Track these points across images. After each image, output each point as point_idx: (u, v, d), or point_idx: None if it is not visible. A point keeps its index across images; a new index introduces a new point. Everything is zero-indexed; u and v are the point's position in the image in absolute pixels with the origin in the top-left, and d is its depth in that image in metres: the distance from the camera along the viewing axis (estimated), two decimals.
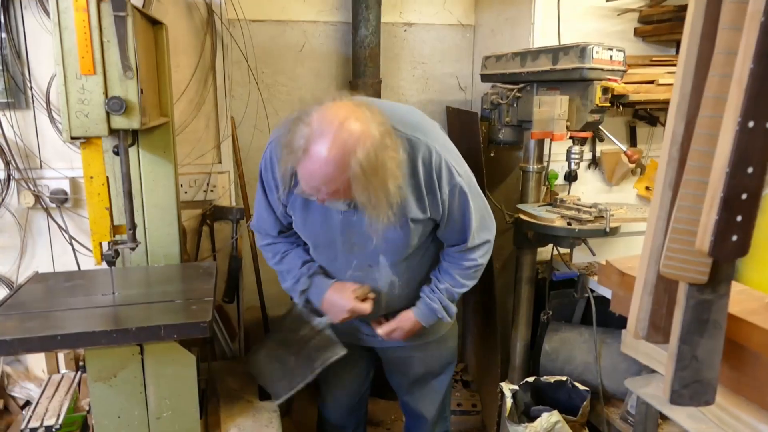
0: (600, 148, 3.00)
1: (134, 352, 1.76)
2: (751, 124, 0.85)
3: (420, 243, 1.77)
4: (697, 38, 0.99)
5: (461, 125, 3.04)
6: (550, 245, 2.67)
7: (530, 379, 2.48)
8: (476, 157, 2.70)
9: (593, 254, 2.46)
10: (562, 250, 2.70)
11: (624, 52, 2.31)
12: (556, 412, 2.26)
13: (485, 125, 2.84)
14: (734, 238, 0.91)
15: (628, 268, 1.58)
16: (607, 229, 2.28)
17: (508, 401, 2.35)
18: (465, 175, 1.70)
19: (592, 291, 2.60)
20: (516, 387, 2.43)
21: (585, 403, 2.36)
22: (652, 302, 1.11)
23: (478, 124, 2.71)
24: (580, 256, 2.81)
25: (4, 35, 2.25)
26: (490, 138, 2.83)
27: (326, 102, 1.48)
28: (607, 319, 2.59)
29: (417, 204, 1.65)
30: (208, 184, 2.58)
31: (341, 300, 1.79)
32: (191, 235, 2.59)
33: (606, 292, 2.44)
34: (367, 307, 1.78)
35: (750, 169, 0.88)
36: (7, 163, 2.31)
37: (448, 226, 1.74)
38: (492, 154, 2.87)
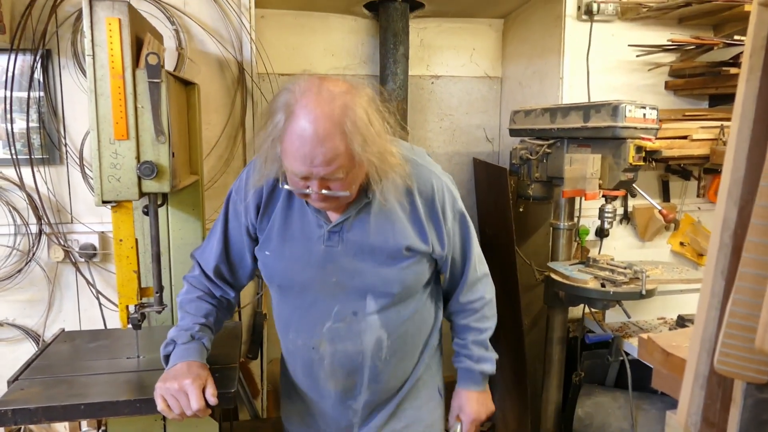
0: (632, 203, 2.93)
1: (156, 419, 1.72)
2: None
3: (414, 287, 1.54)
4: (750, 122, 0.95)
5: (489, 179, 3.01)
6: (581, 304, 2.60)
7: None
8: (505, 212, 2.65)
9: (628, 317, 2.37)
10: (594, 309, 2.62)
11: (657, 110, 2.27)
12: None
13: (514, 180, 2.81)
14: None
15: (673, 346, 1.50)
16: (643, 292, 2.20)
17: None
18: (461, 202, 1.59)
19: (627, 354, 2.50)
20: None
21: None
22: (705, 396, 1.04)
23: (507, 180, 2.67)
24: (614, 315, 2.72)
25: (42, 94, 2.30)
26: (518, 193, 2.80)
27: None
28: (643, 382, 2.48)
29: (415, 232, 1.48)
30: None
31: (186, 379, 1.43)
32: None
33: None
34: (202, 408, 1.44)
35: None
36: (39, 218, 2.33)
37: (455, 259, 1.60)
38: (521, 209, 2.83)
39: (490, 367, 1.69)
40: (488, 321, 1.70)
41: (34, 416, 1.51)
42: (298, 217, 1.50)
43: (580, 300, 2.46)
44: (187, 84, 2.14)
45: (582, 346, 2.73)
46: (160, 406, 1.45)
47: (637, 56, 2.74)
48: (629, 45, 2.74)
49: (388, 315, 1.52)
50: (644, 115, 2.23)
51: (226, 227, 1.60)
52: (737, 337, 0.95)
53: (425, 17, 3.21)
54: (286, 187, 1.40)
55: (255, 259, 1.61)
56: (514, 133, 2.80)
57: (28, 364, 1.77)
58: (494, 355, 1.71)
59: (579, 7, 2.69)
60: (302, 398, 1.71)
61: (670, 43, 2.70)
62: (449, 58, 3.33)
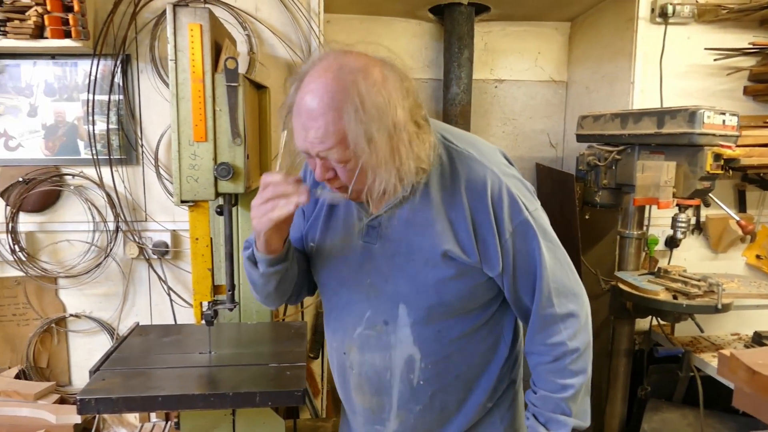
0: (705, 212, 2.82)
1: (226, 413, 1.77)
2: None
3: (458, 305, 1.27)
4: None
5: (553, 185, 2.96)
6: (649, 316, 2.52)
7: None
8: (571, 219, 2.60)
9: (701, 331, 2.29)
10: (663, 322, 2.53)
11: (738, 117, 2.18)
12: None
13: (580, 186, 2.75)
14: None
15: (759, 365, 1.43)
16: (719, 306, 2.11)
17: None
18: (535, 214, 1.24)
19: (699, 369, 2.40)
20: None
21: None
22: None
23: (573, 186, 2.62)
24: (683, 328, 2.62)
25: (121, 97, 2.40)
26: (584, 200, 2.73)
27: None
28: (714, 400, 2.38)
29: (456, 236, 1.21)
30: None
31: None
32: None
33: (716, 374, 2.25)
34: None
35: None
36: (116, 216, 2.44)
37: (516, 284, 1.25)
38: (587, 217, 2.76)
39: None
40: (572, 377, 1.27)
41: (115, 406, 1.58)
42: (344, 204, 1.31)
43: (649, 312, 2.38)
44: (259, 87, 2.19)
45: (649, 359, 2.65)
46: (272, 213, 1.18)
47: (715, 60, 2.64)
48: (706, 48, 2.64)
49: (423, 332, 1.28)
50: (723, 121, 2.14)
51: None
52: None
53: (490, 21, 3.19)
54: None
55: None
56: (581, 138, 2.74)
57: (107, 356, 1.85)
58: (573, 422, 1.29)
59: (653, 10, 2.61)
60: (344, 407, 1.52)
61: (751, 46, 2.58)
62: (513, 62, 3.29)
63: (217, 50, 1.77)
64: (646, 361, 2.66)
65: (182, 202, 1.74)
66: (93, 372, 1.74)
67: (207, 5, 2.36)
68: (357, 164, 1.12)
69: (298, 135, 1.13)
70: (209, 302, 1.85)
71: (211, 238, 1.85)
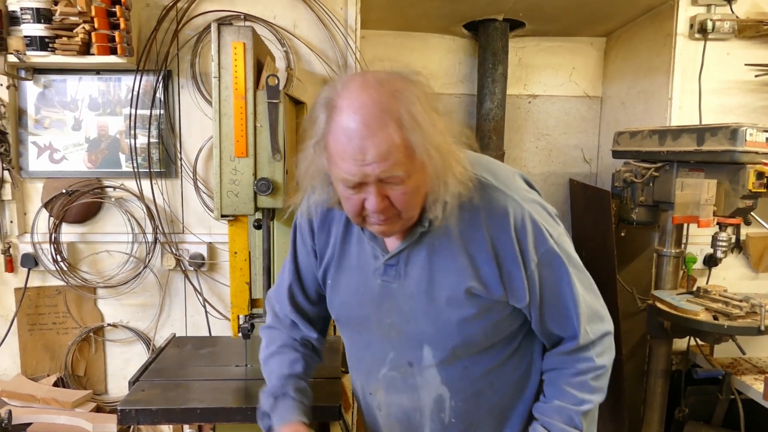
0: (745, 230, 2.75)
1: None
2: None
3: (483, 341, 1.22)
4: None
5: (587, 201, 2.93)
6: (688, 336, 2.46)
7: None
8: (607, 237, 2.57)
9: (743, 353, 2.23)
10: (702, 342, 2.47)
11: None
12: None
13: (615, 203, 2.71)
14: None
15: None
16: (762, 328, 2.06)
17: None
18: (559, 240, 1.19)
19: (740, 392, 2.34)
20: None
21: None
22: None
23: (609, 203, 2.59)
24: (723, 350, 2.55)
25: (162, 111, 2.46)
26: (620, 217, 2.69)
27: None
28: (755, 424, 2.32)
29: (479, 271, 1.16)
30: None
31: None
32: None
33: (757, 396, 2.19)
34: None
35: None
36: (155, 228, 2.48)
37: (544, 315, 1.21)
38: (623, 234, 2.72)
39: None
40: (591, 392, 1.23)
41: (155, 417, 1.61)
42: (356, 243, 1.27)
43: (688, 332, 2.33)
44: (297, 103, 2.22)
45: (687, 380, 2.59)
46: None
47: (756, 76, 2.59)
48: (746, 64, 2.60)
49: (451, 371, 1.24)
50: (766, 139, 2.10)
51: (295, 254, 1.40)
52: None
53: (524, 36, 3.19)
54: (338, 208, 1.19)
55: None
56: (617, 155, 2.71)
57: (146, 367, 1.88)
58: None
59: (692, 26, 2.58)
60: None
61: None
62: (547, 77, 3.28)
63: (258, 68, 1.80)
64: (683, 382, 2.60)
65: (222, 216, 1.77)
66: (132, 383, 1.77)
67: (248, 22, 2.42)
68: (419, 180, 1.07)
69: (348, 162, 1.02)
70: (246, 315, 1.86)
71: (249, 252, 1.87)
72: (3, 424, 1.72)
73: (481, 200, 1.14)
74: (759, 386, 2.21)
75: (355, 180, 1.04)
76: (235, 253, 1.84)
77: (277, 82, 1.72)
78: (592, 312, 1.23)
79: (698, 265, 2.71)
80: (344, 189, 1.08)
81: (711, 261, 2.66)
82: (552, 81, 3.29)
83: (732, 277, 2.78)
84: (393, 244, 1.22)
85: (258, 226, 1.90)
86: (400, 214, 1.10)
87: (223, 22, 1.76)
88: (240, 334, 1.87)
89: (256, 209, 1.78)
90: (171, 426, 2.52)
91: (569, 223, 3.18)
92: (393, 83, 1.03)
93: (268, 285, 1.88)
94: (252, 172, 1.75)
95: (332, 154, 1.05)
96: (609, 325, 1.27)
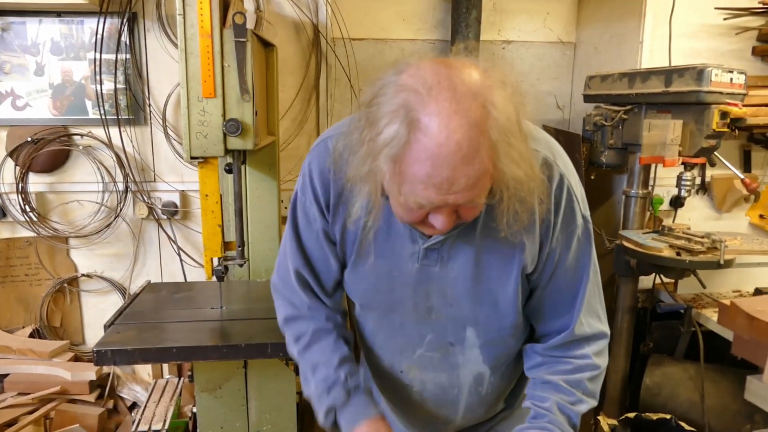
0: (710, 172, 2.83)
1: (238, 366, 1.83)
2: None
3: (528, 320, 1.21)
4: None
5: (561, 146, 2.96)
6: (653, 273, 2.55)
7: (630, 415, 2.36)
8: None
9: (703, 287, 2.32)
10: (666, 279, 2.56)
11: (745, 75, 2.17)
12: None
13: (586, 147, 2.75)
14: None
15: (758, 311, 1.47)
16: (722, 262, 2.14)
17: None
18: (589, 221, 1.13)
19: (700, 325, 2.44)
20: (615, 422, 2.32)
21: None
22: None
23: (580, 146, 2.62)
24: (686, 286, 2.65)
25: (128, 56, 2.40)
26: (590, 160, 2.74)
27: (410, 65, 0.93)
28: (715, 355, 2.43)
29: (524, 250, 1.09)
30: None
31: None
32: None
33: (716, 327, 2.29)
34: None
35: None
36: (125, 176, 2.46)
37: (546, 293, 1.15)
38: (592, 177, 2.77)
39: None
40: (587, 395, 1.16)
41: (131, 357, 1.63)
42: (384, 226, 1.13)
43: (653, 269, 2.41)
44: (267, 45, 2.19)
45: (651, 316, 2.69)
46: None
47: (724, 19, 2.61)
48: (716, 8, 2.61)
49: (494, 350, 1.22)
50: (731, 79, 2.14)
51: (298, 236, 1.23)
52: None
53: None
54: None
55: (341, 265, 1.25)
56: (588, 99, 2.73)
57: (120, 311, 1.89)
58: None
59: None
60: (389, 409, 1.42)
61: (761, 5, 2.55)
62: (522, 22, 3.25)
63: (225, 5, 1.75)
64: (648, 318, 2.70)
65: (192, 158, 1.76)
66: (107, 326, 1.78)
67: None
68: (493, 193, 0.96)
69: (430, 190, 0.89)
70: (219, 258, 1.88)
71: (221, 195, 1.87)
72: None
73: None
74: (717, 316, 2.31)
75: (432, 206, 0.93)
76: (207, 195, 1.84)
77: (244, 20, 1.69)
78: (593, 308, 1.17)
79: (665, 206, 2.78)
80: (410, 206, 0.95)
81: (677, 202, 2.73)
82: (526, 27, 3.26)
83: (697, 217, 2.86)
84: None
85: (229, 170, 1.90)
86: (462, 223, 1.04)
87: None
88: (214, 277, 1.89)
89: (227, 151, 1.76)
90: (150, 372, 2.56)
91: None
92: (487, 93, 0.87)
93: (241, 228, 1.89)
94: (221, 113, 1.73)
95: (407, 175, 0.89)
96: (606, 329, 1.20)
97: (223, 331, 1.80)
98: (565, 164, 1.10)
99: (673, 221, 2.76)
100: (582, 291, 1.12)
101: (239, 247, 1.89)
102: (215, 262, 1.90)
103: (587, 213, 1.12)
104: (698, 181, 2.84)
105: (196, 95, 1.72)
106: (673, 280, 2.59)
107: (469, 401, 1.27)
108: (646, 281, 2.75)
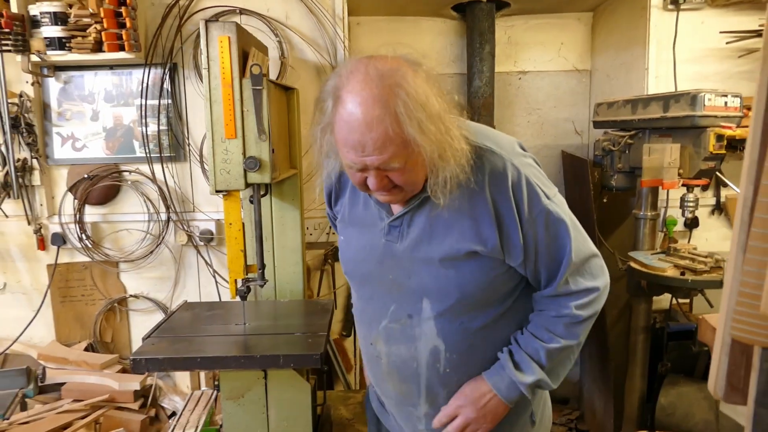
0: (725, 192, 2.87)
1: (259, 377, 2.02)
2: None
3: (481, 297, 1.31)
4: (763, 106, 1.03)
5: (573, 170, 3.07)
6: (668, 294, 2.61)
7: None
8: (586, 202, 2.72)
9: (710, 306, 2.37)
10: (682, 300, 2.62)
11: (740, 98, 2.25)
12: None
13: (598, 171, 2.86)
14: None
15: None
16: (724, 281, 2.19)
17: None
18: (557, 201, 1.29)
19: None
20: None
21: None
22: (729, 363, 1.12)
23: (588, 171, 2.73)
24: (702, 306, 2.69)
25: (170, 101, 2.70)
26: (603, 184, 2.84)
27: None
28: None
29: (479, 232, 1.25)
30: (330, 228, 2.85)
31: None
32: (314, 273, 2.87)
33: None
34: None
35: None
36: (167, 207, 2.74)
37: (538, 265, 1.29)
38: (605, 200, 2.87)
39: (527, 380, 1.31)
40: (563, 334, 1.31)
41: (161, 365, 1.85)
42: (363, 206, 1.39)
43: (660, 289, 2.48)
44: (287, 89, 2.43)
45: (668, 336, 2.73)
46: None
47: (727, 43, 2.68)
48: (721, 32, 2.69)
49: (447, 324, 1.32)
50: (725, 103, 2.22)
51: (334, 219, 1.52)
52: (748, 305, 1.03)
53: (512, 15, 3.32)
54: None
55: None
56: (597, 124, 2.85)
57: (157, 326, 2.13)
58: (541, 374, 1.32)
59: None
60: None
61: (761, 27, 2.62)
62: (536, 53, 3.41)
63: (244, 58, 2.01)
64: (665, 338, 2.75)
65: (217, 191, 1.99)
66: (144, 339, 2.02)
67: (244, 16, 2.63)
68: (416, 163, 1.17)
69: (350, 151, 1.14)
70: (242, 279, 2.10)
71: (244, 224, 2.10)
72: (38, 379, 2.00)
73: (484, 165, 1.23)
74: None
75: (357, 167, 1.17)
76: (230, 224, 2.07)
77: (260, 71, 1.93)
78: (581, 267, 1.30)
79: (680, 227, 2.84)
80: (349, 168, 1.20)
81: (692, 223, 2.78)
82: (541, 57, 3.41)
83: (714, 238, 2.89)
84: (397, 207, 1.32)
85: (252, 201, 2.13)
86: (401, 188, 1.22)
87: (212, 19, 1.97)
88: (238, 297, 2.11)
89: (247, 185, 1.99)
90: (189, 384, 2.80)
91: (563, 193, 3.29)
92: (394, 75, 1.11)
93: (261, 253, 2.11)
94: (241, 152, 1.96)
95: (337, 140, 1.16)
96: (599, 282, 1.33)
97: (244, 344, 2.00)
98: (521, 162, 1.26)
99: (688, 242, 2.81)
100: (566, 260, 1.27)
101: (260, 269, 2.11)
102: (239, 282, 2.12)
103: (551, 192, 1.28)
104: (713, 202, 2.89)
105: (220, 137, 1.96)
106: (688, 300, 2.64)
107: (429, 378, 1.35)
108: (664, 303, 2.80)
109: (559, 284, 1.29)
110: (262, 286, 2.13)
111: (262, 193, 2.15)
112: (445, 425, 1.37)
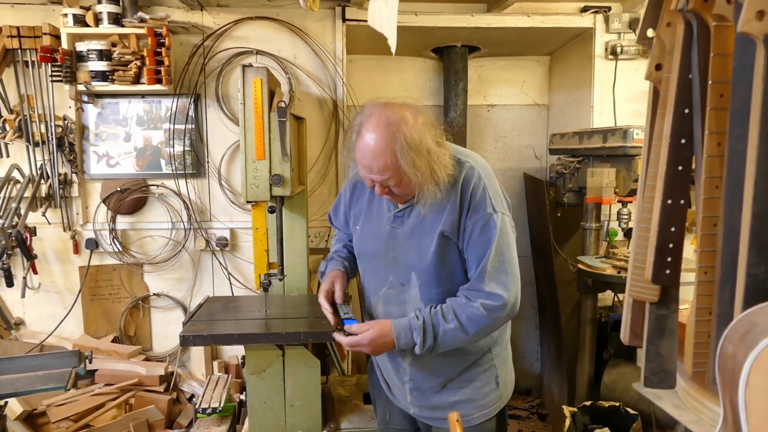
0: None
1: (278, 355, 2.46)
2: (669, 201, 1.42)
3: (446, 270, 1.74)
4: (650, 120, 1.55)
5: (534, 190, 3.63)
6: (610, 292, 3.15)
7: (587, 403, 2.93)
8: (543, 216, 3.27)
9: None
10: (621, 295, 3.16)
11: None
12: (607, 429, 2.70)
13: (553, 190, 3.42)
14: (667, 271, 1.46)
15: None
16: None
17: (567, 420, 2.82)
18: (499, 216, 1.68)
19: None
20: (575, 409, 2.89)
21: (634, 424, 2.78)
22: (632, 317, 1.64)
23: (544, 189, 3.29)
24: None
25: (193, 126, 3.16)
26: (557, 201, 3.40)
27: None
28: None
29: (449, 220, 1.68)
30: (329, 236, 3.33)
31: (319, 295, 1.98)
32: (314, 275, 3.33)
33: None
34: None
35: (673, 228, 1.44)
36: (189, 217, 3.18)
37: (468, 255, 1.71)
38: (559, 215, 3.42)
39: (420, 344, 1.70)
40: (451, 321, 1.68)
41: (206, 341, 2.30)
42: (378, 202, 1.86)
43: (603, 285, 3.02)
44: (298, 119, 2.92)
45: (611, 327, 3.27)
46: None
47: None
48: (645, 78, 3.29)
49: (427, 292, 1.76)
50: None
51: (341, 202, 2.07)
52: (639, 272, 1.56)
53: (482, 57, 3.89)
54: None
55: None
56: (552, 151, 3.41)
57: (192, 314, 2.56)
58: (429, 344, 1.70)
59: (606, 49, 3.28)
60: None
61: None
62: (503, 89, 3.98)
63: (271, 95, 2.49)
64: (609, 329, 3.29)
65: (247, 202, 2.46)
66: (185, 323, 2.45)
67: (259, 56, 3.12)
68: (409, 182, 1.64)
69: (363, 169, 1.66)
70: (265, 274, 2.55)
71: (267, 228, 2.56)
72: (88, 360, 2.39)
73: (460, 173, 1.68)
74: None
75: (368, 179, 1.70)
76: (257, 228, 2.53)
77: (284, 106, 2.41)
78: (493, 277, 1.66)
79: (621, 237, 3.40)
80: (363, 177, 1.72)
81: (629, 233, 3.35)
82: (507, 93, 3.99)
83: None
84: (401, 203, 1.80)
85: (272, 211, 2.59)
86: (397, 194, 1.72)
87: (246, 65, 2.45)
88: (261, 289, 2.56)
89: (272, 197, 2.46)
90: (204, 371, 3.21)
91: (525, 210, 3.87)
92: (398, 123, 1.58)
93: (281, 251, 2.57)
94: (268, 170, 2.43)
95: (357, 159, 1.67)
96: (506, 294, 1.67)
97: (267, 325, 2.46)
98: (488, 177, 1.72)
99: (627, 248, 3.37)
100: (485, 259, 1.66)
101: (279, 266, 2.57)
102: (262, 277, 2.57)
103: (499, 208, 1.69)
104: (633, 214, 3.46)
105: (251, 158, 2.43)
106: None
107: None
108: (608, 300, 3.35)
109: (476, 276, 1.67)
110: (281, 280, 2.59)
111: (282, 203, 2.62)
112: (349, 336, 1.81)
